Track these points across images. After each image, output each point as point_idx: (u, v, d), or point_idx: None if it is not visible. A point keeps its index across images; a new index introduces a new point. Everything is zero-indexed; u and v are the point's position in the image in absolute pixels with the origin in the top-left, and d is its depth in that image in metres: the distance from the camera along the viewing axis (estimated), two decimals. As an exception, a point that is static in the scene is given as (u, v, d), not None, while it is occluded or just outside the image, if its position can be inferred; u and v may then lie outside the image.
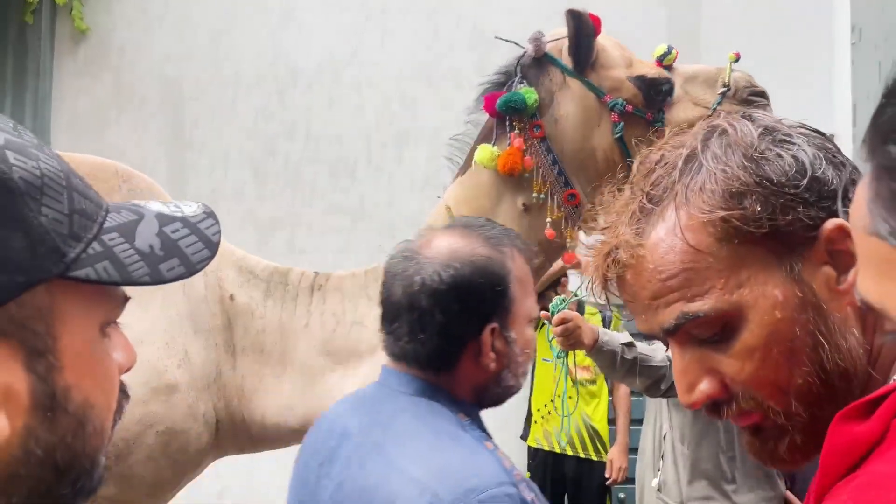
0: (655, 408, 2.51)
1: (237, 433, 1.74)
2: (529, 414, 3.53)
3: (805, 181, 0.57)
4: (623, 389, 3.57)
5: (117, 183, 1.77)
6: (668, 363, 2.17)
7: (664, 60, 1.68)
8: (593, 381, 3.52)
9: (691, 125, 1.83)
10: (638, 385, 2.20)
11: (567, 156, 1.59)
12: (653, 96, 1.60)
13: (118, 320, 0.51)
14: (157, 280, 0.47)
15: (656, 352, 2.22)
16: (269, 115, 3.79)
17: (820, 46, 4.05)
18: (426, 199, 3.82)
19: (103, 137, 3.72)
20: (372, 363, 1.69)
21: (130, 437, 1.57)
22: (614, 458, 3.47)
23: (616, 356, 2.05)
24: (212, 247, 0.50)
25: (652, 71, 1.64)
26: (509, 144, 1.56)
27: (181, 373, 1.62)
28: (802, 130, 0.63)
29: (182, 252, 0.49)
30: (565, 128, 1.59)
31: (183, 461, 1.67)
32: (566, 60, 1.61)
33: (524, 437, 3.55)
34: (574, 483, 3.55)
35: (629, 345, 2.08)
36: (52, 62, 3.68)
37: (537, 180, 1.57)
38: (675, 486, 2.36)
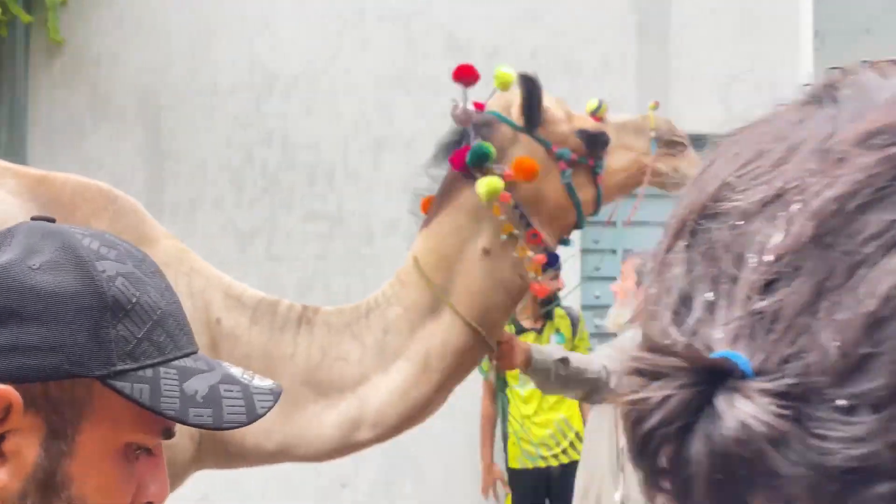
0: (611, 420, 2.58)
1: (216, 449, 1.77)
2: (506, 437, 3.57)
3: None
4: None
5: (104, 203, 1.79)
6: (605, 373, 2.24)
7: (597, 113, 1.89)
8: None
9: (626, 168, 1.93)
10: (572, 396, 2.27)
11: (523, 200, 1.74)
12: (593, 146, 1.79)
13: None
14: (181, 419, 0.55)
15: (591, 363, 2.31)
16: (247, 123, 3.82)
17: (785, 50, 4.16)
18: (403, 206, 3.87)
19: (80, 148, 3.73)
20: (352, 398, 1.77)
21: None
22: None
23: (550, 373, 2.10)
24: (251, 416, 0.58)
25: (591, 124, 1.84)
26: (501, 174, 1.69)
27: None
28: None
29: (220, 407, 0.56)
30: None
31: (170, 473, 1.70)
32: (515, 118, 1.79)
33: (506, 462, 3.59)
34: (554, 489, 3.57)
35: (563, 360, 2.14)
36: (27, 74, 3.69)
37: (500, 224, 1.71)
38: (639, 500, 2.43)
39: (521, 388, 3.52)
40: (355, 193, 3.84)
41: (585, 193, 1.80)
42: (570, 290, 1.99)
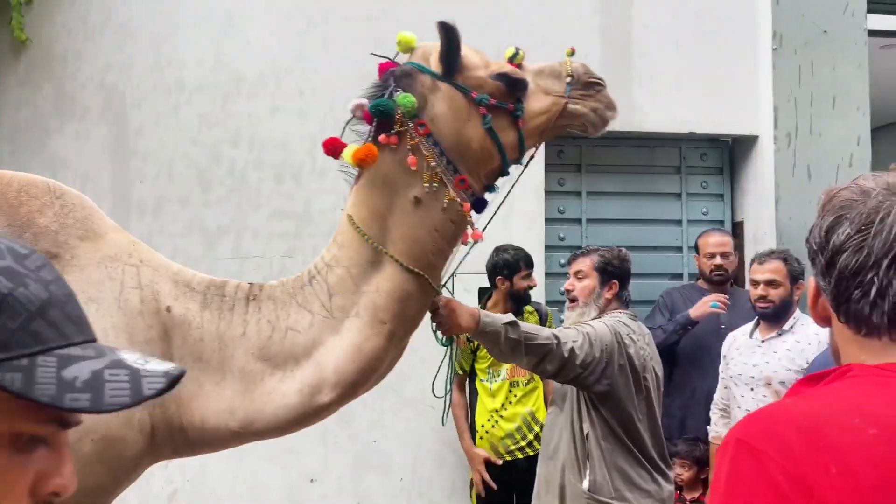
0: (571, 409, 2.63)
1: (174, 437, 1.81)
2: (474, 432, 3.62)
3: None
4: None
5: (50, 199, 1.80)
6: (556, 340, 2.31)
7: (514, 60, 1.90)
8: (531, 379, 3.64)
9: (545, 111, 1.87)
10: (525, 363, 2.32)
11: (449, 148, 1.79)
12: (512, 90, 1.83)
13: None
14: (55, 404, 0.56)
15: (541, 330, 2.38)
16: (213, 121, 3.84)
17: (744, 52, 4.25)
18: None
19: (46, 147, 3.73)
20: (308, 364, 1.80)
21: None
22: None
23: (500, 335, 2.16)
24: (135, 397, 0.59)
25: (508, 68, 1.86)
26: (370, 140, 1.75)
27: None
28: None
29: (100, 391, 0.58)
30: (441, 124, 1.79)
31: (119, 467, 1.73)
32: (434, 66, 1.82)
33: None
34: (519, 483, 3.61)
35: (512, 324, 2.21)
36: (-9, 73, 3.68)
37: (427, 172, 1.76)
38: (606, 485, 2.48)
39: (489, 383, 3.59)
40: (322, 192, 3.87)
41: (507, 137, 1.84)
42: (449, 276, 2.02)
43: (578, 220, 4.36)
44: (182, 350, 1.78)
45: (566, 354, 2.31)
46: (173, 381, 0.61)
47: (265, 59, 3.87)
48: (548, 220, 4.27)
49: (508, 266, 3.59)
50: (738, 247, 4.19)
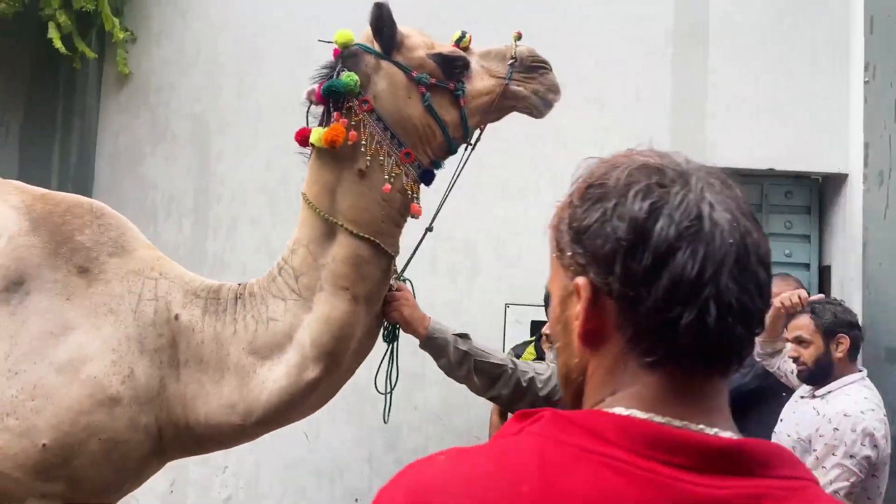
0: None
1: (181, 437, 1.96)
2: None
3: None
4: None
5: (90, 219, 2.03)
6: (512, 366, 2.17)
7: (461, 43, 1.97)
8: None
9: (488, 92, 1.93)
10: (476, 385, 2.17)
11: (392, 123, 1.88)
12: (450, 70, 1.90)
13: None
14: None
15: (497, 351, 2.25)
16: (286, 146, 4.05)
17: (833, 84, 3.97)
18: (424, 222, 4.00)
19: (139, 170, 4.12)
20: (291, 347, 1.93)
21: (75, 444, 1.79)
22: None
23: (448, 345, 2.09)
24: None
25: (447, 49, 1.94)
26: (332, 122, 1.84)
27: (125, 388, 1.85)
28: None
29: None
30: (383, 101, 1.88)
31: (125, 467, 1.90)
32: (377, 47, 1.91)
33: None
34: None
35: (463, 336, 2.14)
36: (98, 103, 4.12)
37: (371, 146, 1.85)
38: None
39: None
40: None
41: (449, 115, 1.91)
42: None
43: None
44: (187, 353, 1.95)
45: (524, 383, 2.17)
46: None
47: (336, 90, 4.07)
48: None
49: None
50: (826, 293, 3.87)
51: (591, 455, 0.64)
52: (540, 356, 3.56)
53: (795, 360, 2.59)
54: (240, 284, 2.04)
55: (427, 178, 1.99)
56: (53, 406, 1.78)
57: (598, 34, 4.10)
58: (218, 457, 3.94)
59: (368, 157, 1.85)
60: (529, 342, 3.66)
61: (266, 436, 4.27)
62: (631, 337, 0.68)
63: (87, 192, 4.05)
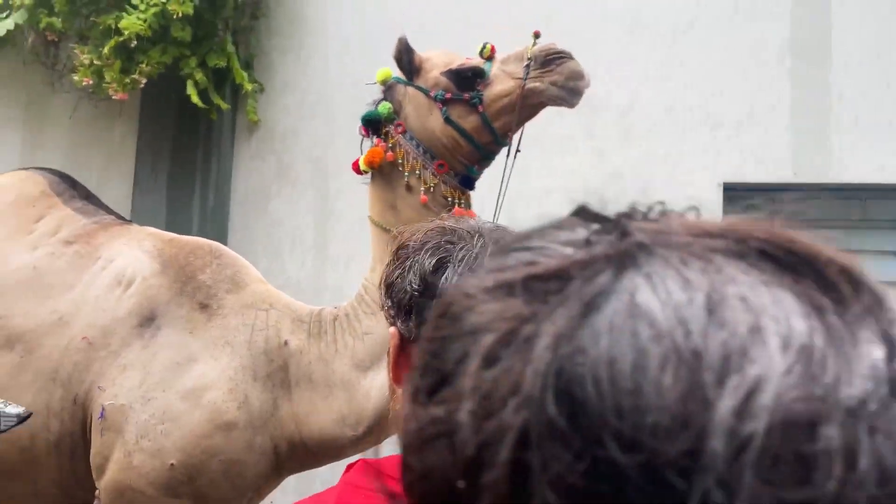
0: None
1: (297, 453, 2.15)
2: None
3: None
4: None
5: (210, 259, 2.28)
6: None
7: (483, 53, 2.12)
8: None
9: (507, 94, 2.09)
10: None
11: (422, 140, 2.08)
12: (461, 82, 2.06)
13: None
14: None
15: None
16: (399, 185, 4.26)
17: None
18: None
19: (267, 209, 4.45)
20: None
21: (198, 464, 1.99)
22: None
23: None
24: None
25: (458, 63, 2.10)
26: (372, 146, 2.11)
27: (241, 413, 2.03)
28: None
29: None
30: (412, 122, 2.10)
31: (243, 484, 2.09)
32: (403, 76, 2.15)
33: None
34: None
35: None
36: (232, 150, 4.51)
37: (408, 163, 2.08)
38: None
39: None
40: (489, 248, 4.07)
41: (468, 123, 2.05)
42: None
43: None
44: (297, 375, 2.13)
45: None
46: (24, 419, 0.85)
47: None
48: (732, 280, 3.99)
49: None
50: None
51: (379, 496, 0.70)
52: None
53: None
54: (336, 307, 2.21)
55: (467, 183, 2.15)
56: (179, 430, 1.98)
57: (715, 48, 3.99)
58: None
59: (407, 173, 2.07)
60: None
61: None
62: None
63: (223, 230, 4.43)
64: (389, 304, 0.84)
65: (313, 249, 4.36)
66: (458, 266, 0.79)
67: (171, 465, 1.97)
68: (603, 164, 4.05)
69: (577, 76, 2.05)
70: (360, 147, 2.18)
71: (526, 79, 2.00)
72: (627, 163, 4.01)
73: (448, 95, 2.05)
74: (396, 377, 0.83)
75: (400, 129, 2.09)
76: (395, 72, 2.16)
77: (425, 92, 2.08)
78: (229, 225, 4.48)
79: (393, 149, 2.08)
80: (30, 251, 2.15)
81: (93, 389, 2.01)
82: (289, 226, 4.40)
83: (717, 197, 3.88)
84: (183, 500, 2.00)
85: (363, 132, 2.15)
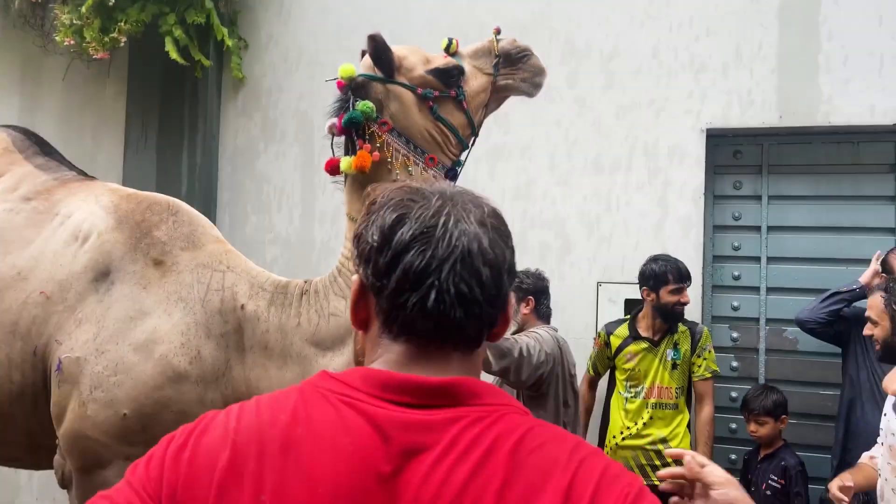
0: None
1: None
2: (600, 446, 3.52)
3: None
4: (705, 414, 3.44)
5: (166, 215, 2.29)
6: (514, 342, 2.53)
7: (449, 49, 2.18)
8: (675, 406, 3.41)
9: (483, 90, 2.14)
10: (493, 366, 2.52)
11: (411, 136, 2.09)
12: (448, 80, 2.11)
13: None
14: None
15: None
16: (383, 138, 4.23)
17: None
18: (516, 211, 4.00)
19: (255, 166, 4.48)
20: (351, 341, 2.06)
21: (151, 414, 2.03)
22: None
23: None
24: None
25: (441, 62, 2.13)
26: (358, 149, 2.05)
27: (192, 368, 2.06)
28: None
29: None
30: (399, 120, 2.09)
31: None
32: (379, 73, 2.10)
33: None
34: None
35: None
36: (218, 108, 4.53)
37: (398, 161, 2.05)
38: None
39: (626, 398, 3.44)
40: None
41: (456, 119, 2.12)
42: None
43: (757, 228, 3.92)
44: (252, 340, 2.15)
45: (524, 354, 2.55)
46: None
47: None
48: (720, 228, 3.94)
49: (654, 277, 3.41)
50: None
51: (334, 395, 0.86)
52: (634, 335, 3.45)
53: (870, 338, 2.35)
54: (305, 281, 2.21)
55: (451, 175, 2.18)
56: (132, 381, 2.03)
57: (693, -6, 3.86)
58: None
59: (398, 171, 2.05)
60: (623, 320, 3.56)
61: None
62: (383, 319, 0.89)
63: (212, 188, 4.48)
64: (356, 254, 0.91)
65: (300, 205, 4.39)
66: (415, 223, 0.85)
67: (124, 414, 2.01)
68: (586, 113, 3.98)
69: (541, 72, 2.25)
70: (331, 148, 2.15)
71: (497, 76, 2.15)
72: (607, 110, 3.94)
73: (436, 93, 2.09)
74: (355, 320, 0.93)
75: (386, 128, 2.05)
76: (358, 69, 2.10)
77: (412, 89, 2.07)
78: (218, 182, 4.52)
79: (381, 148, 2.03)
80: None
81: (51, 343, 2.06)
82: (276, 182, 4.42)
83: (700, 143, 3.80)
84: (138, 448, 2.02)
85: (339, 132, 2.10)
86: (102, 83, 4.64)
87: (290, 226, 4.39)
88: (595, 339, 3.59)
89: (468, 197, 0.91)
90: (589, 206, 3.93)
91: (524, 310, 3.11)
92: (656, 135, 3.87)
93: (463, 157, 2.21)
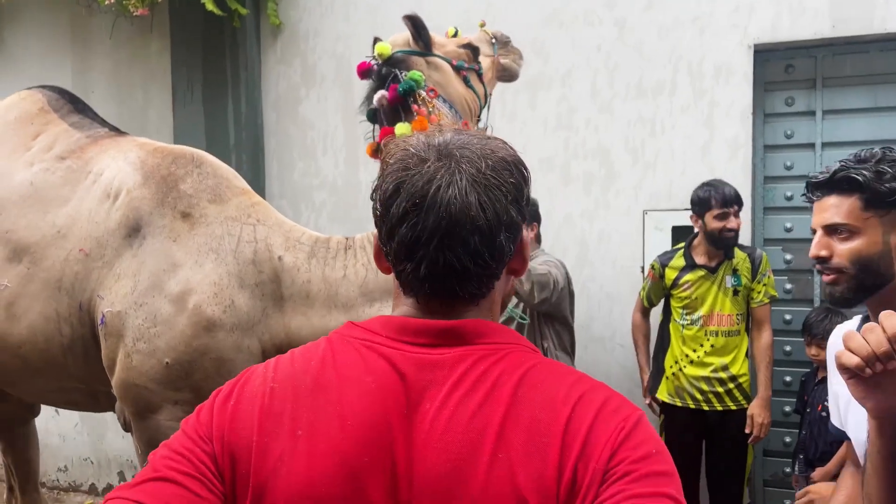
0: (523, 328, 3.16)
1: None
2: (659, 371, 3.52)
3: None
4: (764, 340, 3.40)
5: (191, 168, 2.35)
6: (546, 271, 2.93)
7: (456, 36, 2.50)
8: (737, 332, 3.38)
9: (489, 68, 2.66)
10: (526, 290, 2.85)
11: (452, 103, 2.31)
12: (476, 55, 2.44)
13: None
14: None
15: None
16: (421, 76, 4.20)
17: None
18: (559, 141, 3.95)
19: (298, 112, 4.53)
20: None
21: (191, 361, 2.13)
22: (755, 413, 3.35)
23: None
24: None
25: (467, 40, 2.48)
26: (417, 115, 2.20)
27: (226, 316, 2.14)
28: None
29: None
30: (443, 87, 2.29)
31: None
32: (413, 48, 2.32)
33: (652, 391, 3.57)
34: (711, 433, 3.48)
35: None
36: (258, 55, 4.57)
37: (447, 123, 2.09)
38: None
39: (682, 325, 3.43)
40: (512, 134, 4.02)
41: (479, 89, 2.43)
42: None
43: (811, 146, 3.77)
44: (291, 289, 2.23)
45: (557, 284, 2.98)
46: None
47: (458, 10, 4.09)
48: (770, 147, 3.80)
49: (700, 203, 3.35)
50: None
51: (357, 341, 0.95)
52: (690, 264, 3.40)
53: None
54: (347, 238, 2.28)
55: None
56: (170, 331, 2.12)
57: None
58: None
59: None
60: (677, 250, 3.49)
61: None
62: (395, 276, 0.98)
63: (258, 136, 4.56)
64: (374, 212, 0.97)
65: (344, 148, 4.43)
66: (407, 195, 0.90)
67: (167, 363, 2.11)
68: (626, 35, 3.85)
69: (520, 55, 2.69)
70: (381, 122, 2.30)
71: (497, 55, 2.55)
72: (647, 30, 3.80)
73: (467, 65, 2.38)
74: (382, 269, 1.02)
75: (433, 95, 2.25)
76: (392, 47, 2.31)
77: (448, 62, 2.33)
78: (264, 131, 4.59)
79: (432, 112, 2.23)
80: (28, 167, 2.30)
81: (94, 297, 2.17)
82: (319, 126, 4.47)
83: (747, 59, 3.64)
84: (184, 393, 2.15)
85: (391, 102, 2.22)
86: (147, 39, 4.73)
87: (336, 170, 4.45)
88: (649, 271, 3.54)
89: (474, 148, 0.92)
90: (633, 131, 3.84)
91: (529, 234, 3.30)
92: (701, 54, 3.72)
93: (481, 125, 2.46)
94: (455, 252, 0.89)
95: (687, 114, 3.75)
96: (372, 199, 0.97)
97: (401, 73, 2.23)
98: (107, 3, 4.15)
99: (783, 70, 3.76)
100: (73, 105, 2.49)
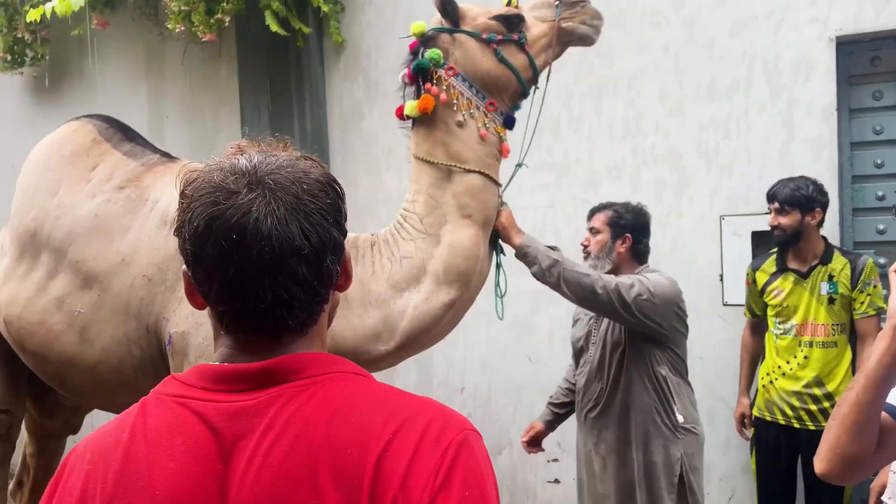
0: (629, 361, 2.76)
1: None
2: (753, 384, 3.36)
3: None
4: (868, 354, 3.17)
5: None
6: (596, 276, 2.53)
7: (511, 3, 2.32)
8: (833, 344, 3.14)
9: (544, 34, 2.38)
10: (565, 291, 2.50)
11: (475, 81, 2.24)
12: (510, 25, 2.25)
13: None
14: None
15: (582, 264, 2.70)
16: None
17: None
18: (626, 147, 3.82)
19: (361, 128, 4.55)
20: (426, 276, 2.20)
21: None
22: None
23: (540, 253, 2.44)
24: None
25: (503, 10, 2.28)
26: (425, 92, 2.24)
27: None
28: None
29: None
30: (464, 64, 2.24)
31: None
32: (446, 24, 2.28)
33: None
34: (805, 454, 3.25)
35: (553, 248, 2.50)
36: (322, 73, 4.61)
37: (462, 103, 2.22)
38: (689, 414, 2.77)
39: (776, 332, 3.24)
40: (579, 140, 3.91)
41: (518, 61, 2.24)
42: None
43: (898, 141, 3.52)
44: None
45: (611, 290, 2.52)
46: None
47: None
48: (858, 145, 3.57)
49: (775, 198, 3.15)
50: None
51: (170, 398, 0.89)
52: (781, 268, 3.21)
53: None
54: (372, 234, 2.28)
55: (509, 123, 2.31)
56: None
57: None
58: (455, 380, 4.30)
59: (463, 112, 2.21)
60: (771, 254, 3.28)
61: (493, 360, 4.50)
62: (214, 315, 0.91)
63: (324, 152, 4.60)
64: (181, 244, 0.91)
65: (407, 163, 4.41)
66: (224, 232, 0.84)
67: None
68: (696, 35, 3.70)
69: (599, 16, 2.33)
70: (402, 98, 2.31)
71: (559, 18, 2.28)
72: (719, 29, 3.63)
73: (499, 37, 2.23)
74: (197, 307, 0.95)
75: (451, 73, 2.22)
76: (428, 25, 2.31)
77: (476, 36, 2.23)
78: (329, 147, 4.63)
79: (447, 91, 2.21)
80: (90, 199, 2.36)
81: (160, 320, 2.22)
82: (383, 142, 4.47)
83: (829, 53, 3.43)
84: None
85: (408, 79, 2.28)
86: (216, 64, 4.85)
87: (400, 184, 4.43)
88: (745, 280, 3.36)
89: (285, 172, 0.87)
90: (705, 135, 3.68)
91: (619, 248, 2.83)
92: (777, 50, 3.53)
93: (522, 103, 2.33)
94: (284, 284, 0.85)
95: (764, 114, 3.56)
96: (176, 235, 0.90)
97: (422, 51, 2.26)
98: (178, 30, 4.27)
99: (869, 62, 3.54)
100: (123, 133, 2.54)
